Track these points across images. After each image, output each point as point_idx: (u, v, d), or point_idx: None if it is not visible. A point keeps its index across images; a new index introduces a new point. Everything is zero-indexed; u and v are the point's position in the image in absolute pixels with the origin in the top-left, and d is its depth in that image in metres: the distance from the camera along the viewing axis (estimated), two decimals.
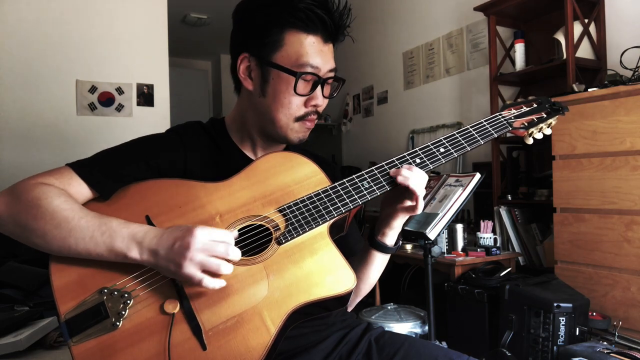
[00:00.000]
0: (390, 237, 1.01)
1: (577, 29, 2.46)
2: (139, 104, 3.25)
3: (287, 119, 0.96)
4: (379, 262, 1.04)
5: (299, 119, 0.97)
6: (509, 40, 2.95)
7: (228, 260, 0.78)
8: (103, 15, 3.15)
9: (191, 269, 0.76)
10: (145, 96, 3.27)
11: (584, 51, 2.49)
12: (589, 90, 2.08)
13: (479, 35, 3.25)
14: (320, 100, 0.97)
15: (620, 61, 2.19)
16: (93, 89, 3.10)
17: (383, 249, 1.01)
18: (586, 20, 2.48)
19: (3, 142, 2.87)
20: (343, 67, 4.98)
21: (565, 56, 2.43)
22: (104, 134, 3.10)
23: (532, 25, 2.93)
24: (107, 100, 3.15)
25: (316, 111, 0.99)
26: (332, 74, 0.98)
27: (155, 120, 3.27)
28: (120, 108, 3.18)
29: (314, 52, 0.94)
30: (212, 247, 0.76)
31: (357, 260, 1.04)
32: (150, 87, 3.29)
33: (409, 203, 0.94)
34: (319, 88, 0.96)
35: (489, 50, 2.94)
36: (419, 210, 0.94)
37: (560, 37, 2.49)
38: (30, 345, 1.45)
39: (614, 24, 2.50)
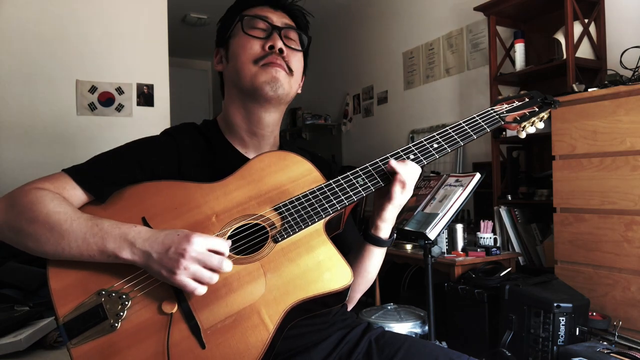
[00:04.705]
0: (384, 230, 1.00)
1: (577, 29, 2.46)
2: (139, 104, 3.25)
3: (248, 65, 0.98)
4: (375, 257, 1.03)
5: (258, 60, 0.98)
6: (509, 40, 2.95)
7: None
8: (103, 15, 3.14)
9: (184, 278, 0.76)
10: (145, 96, 3.27)
11: (584, 51, 2.49)
12: (589, 90, 2.07)
13: (479, 35, 3.25)
14: (279, 42, 0.99)
15: (620, 61, 2.19)
16: (93, 89, 3.10)
17: (377, 242, 1.01)
18: (586, 20, 2.48)
19: (3, 142, 2.87)
20: (343, 67, 5.00)
21: (565, 56, 2.43)
22: (104, 134, 3.10)
23: (532, 25, 2.93)
24: (107, 100, 3.14)
25: (282, 58, 0.99)
26: (291, 27, 1.03)
27: (155, 120, 3.27)
28: (120, 108, 3.18)
29: (263, 11, 1.02)
30: (206, 258, 0.77)
31: (353, 256, 1.04)
32: (150, 87, 3.28)
33: (394, 189, 0.93)
34: (275, 34, 0.99)
35: (489, 50, 2.94)
36: (398, 202, 0.94)
37: (560, 37, 2.49)
38: (30, 345, 1.45)
39: (614, 24, 2.50)
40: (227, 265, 0.78)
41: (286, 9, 1.04)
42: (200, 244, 0.77)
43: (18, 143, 2.90)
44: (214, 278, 0.77)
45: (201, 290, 0.77)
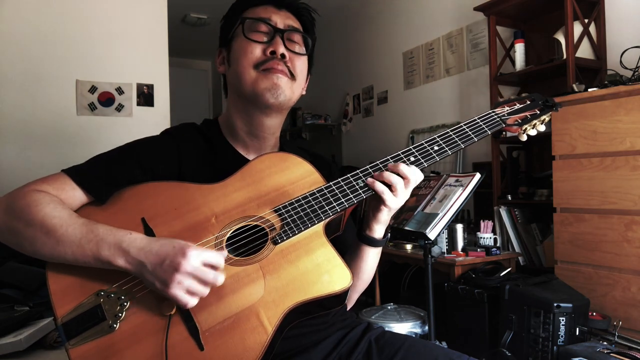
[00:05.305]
0: (378, 232, 1.00)
1: (577, 29, 2.46)
2: (139, 104, 3.25)
3: (249, 70, 0.96)
4: (370, 257, 1.03)
5: (259, 65, 0.96)
6: (509, 40, 2.95)
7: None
8: (103, 15, 3.14)
9: (177, 291, 0.76)
10: (145, 96, 3.27)
11: (584, 51, 2.49)
12: (589, 90, 2.07)
13: (479, 35, 3.25)
14: (280, 48, 0.96)
15: (620, 61, 2.18)
16: (93, 89, 3.10)
17: (371, 242, 1.01)
18: (586, 20, 2.48)
19: (3, 142, 2.87)
20: (343, 67, 4.99)
21: (565, 56, 2.43)
22: (104, 134, 3.10)
23: (532, 25, 2.93)
24: (107, 100, 3.14)
25: (284, 63, 0.97)
26: (295, 29, 1.00)
27: (155, 120, 3.27)
28: (120, 108, 3.18)
29: (266, 11, 0.99)
30: (201, 273, 0.76)
31: (349, 257, 1.04)
32: (150, 87, 3.28)
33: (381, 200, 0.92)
34: (277, 38, 0.97)
35: (489, 50, 2.93)
36: (392, 206, 0.93)
37: (560, 37, 2.49)
38: (30, 345, 1.45)
39: (614, 24, 2.49)
40: (222, 280, 0.79)
41: (291, 8, 1.02)
42: (196, 258, 0.76)
43: (18, 143, 2.90)
44: (207, 292, 0.78)
45: (193, 303, 0.77)
